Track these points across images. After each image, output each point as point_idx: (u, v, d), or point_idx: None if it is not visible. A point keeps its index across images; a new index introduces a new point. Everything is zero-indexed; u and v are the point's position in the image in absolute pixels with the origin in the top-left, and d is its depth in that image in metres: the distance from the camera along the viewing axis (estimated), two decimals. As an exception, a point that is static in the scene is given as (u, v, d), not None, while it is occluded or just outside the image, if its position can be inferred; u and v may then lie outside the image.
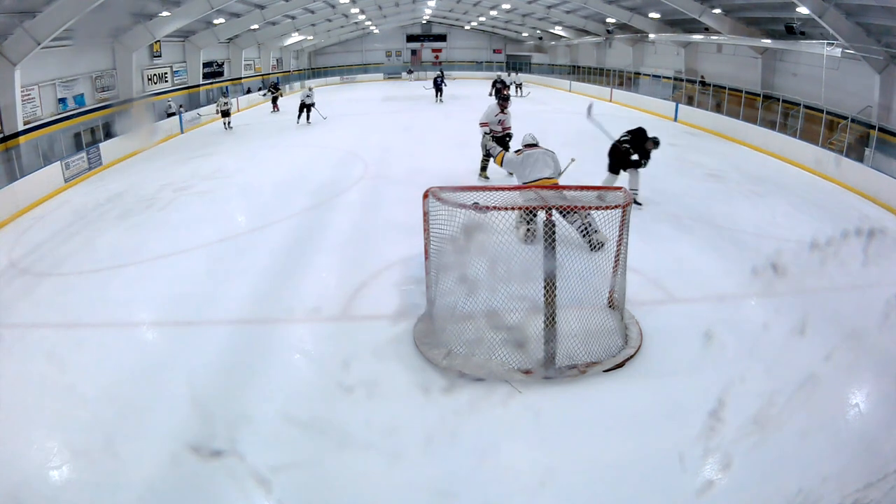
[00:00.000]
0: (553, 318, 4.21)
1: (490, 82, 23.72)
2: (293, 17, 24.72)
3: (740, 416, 3.70)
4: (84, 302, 5.84)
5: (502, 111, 9.64)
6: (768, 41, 14.88)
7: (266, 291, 5.88)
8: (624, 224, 4.54)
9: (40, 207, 9.81)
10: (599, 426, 3.79)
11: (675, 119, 16.87)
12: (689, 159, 11.66)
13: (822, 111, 11.44)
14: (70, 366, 4.65)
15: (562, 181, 6.50)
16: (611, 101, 21.74)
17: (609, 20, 21.64)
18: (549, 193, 4.75)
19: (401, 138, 14.31)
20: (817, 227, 7.04)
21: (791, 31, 13.20)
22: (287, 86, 29.05)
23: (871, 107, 11.50)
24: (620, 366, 4.35)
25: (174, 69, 19.22)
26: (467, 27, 36.39)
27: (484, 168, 9.85)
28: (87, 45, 14.06)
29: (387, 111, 20.32)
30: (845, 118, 10.99)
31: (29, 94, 12.22)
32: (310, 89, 17.97)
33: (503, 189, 4.65)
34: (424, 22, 36.51)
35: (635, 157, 7.68)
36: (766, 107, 13.75)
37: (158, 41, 17.18)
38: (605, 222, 4.59)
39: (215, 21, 19.44)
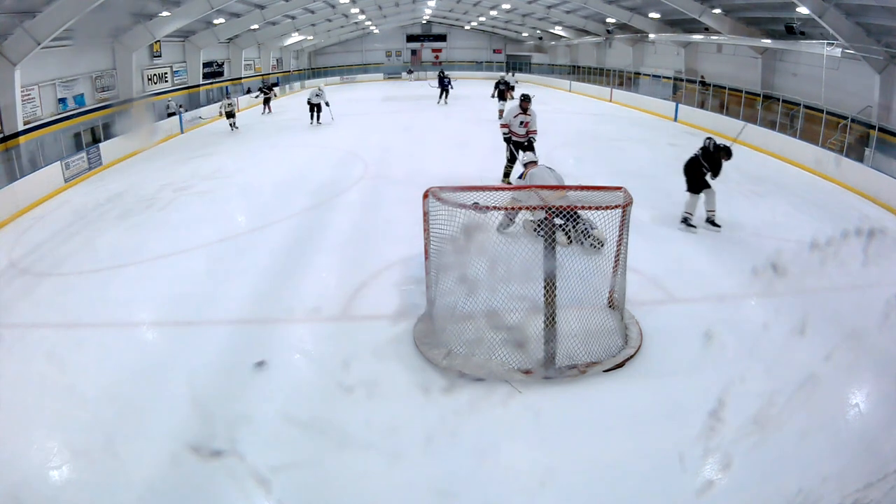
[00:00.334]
0: (553, 318, 4.21)
1: (493, 83, 23.31)
2: (293, 17, 24.72)
3: (740, 416, 3.70)
4: (84, 302, 5.84)
5: (524, 111, 8.84)
6: (768, 41, 14.88)
7: (266, 291, 5.88)
8: (624, 224, 4.54)
9: (40, 207, 9.81)
10: (599, 426, 3.79)
11: (675, 119, 16.87)
12: (689, 159, 11.66)
13: (822, 111, 11.44)
14: (70, 366, 4.65)
15: (567, 181, 6.54)
16: (611, 101, 21.74)
17: (609, 20, 21.63)
18: (549, 193, 4.75)
19: (401, 138, 14.31)
20: (817, 227, 7.04)
21: (791, 31, 13.20)
22: (287, 86, 29.03)
23: (871, 107, 11.50)
24: (620, 366, 4.35)
25: (174, 69, 19.21)
26: (467, 27, 36.40)
27: (507, 174, 9.16)
28: (87, 45, 14.05)
29: (387, 111, 20.32)
30: (845, 118, 10.99)
31: (29, 94, 12.21)
32: (319, 88, 17.52)
33: (503, 189, 4.65)
34: (424, 22, 36.51)
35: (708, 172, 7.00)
36: (766, 107, 13.75)
37: (158, 41, 17.18)
38: (606, 222, 4.59)
39: (215, 21, 19.44)
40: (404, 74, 35.09)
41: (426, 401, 4.06)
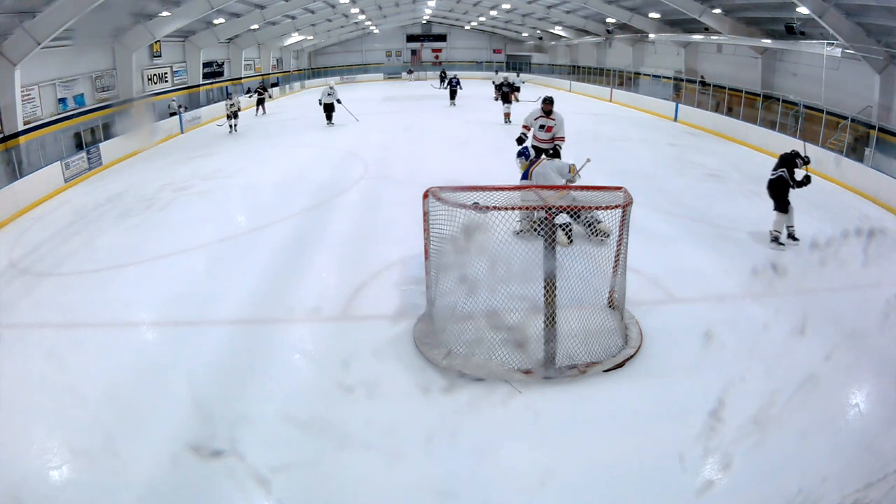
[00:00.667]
0: (553, 318, 4.21)
1: (491, 83, 22.40)
2: (293, 17, 24.72)
3: (740, 416, 3.70)
4: (84, 302, 5.84)
5: (545, 115, 8.06)
6: (768, 41, 14.88)
7: (266, 291, 5.88)
8: (624, 224, 4.54)
9: (40, 207, 9.81)
10: (599, 426, 3.79)
11: (675, 119, 16.88)
12: (689, 159, 11.68)
13: (822, 111, 11.44)
14: (70, 366, 4.65)
15: (577, 181, 6.55)
16: (611, 101, 21.75)
17: (609, 20, 21.63)
18: (549, 193, 4.76)
19: (401, 138, 14.32)
20: (817, 227, 7.03)
21: (791, 31, 13.19)
22: (287, 86, 29.03)
23: (871, 107, 11.50)
24: (620, 366, 4.35)
25: (174, 69, 19.20)
26: (467, 27, 36.40)
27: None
28: (87, 45, 14.04)
29: (387, 111, 20.31)
30: (845, 118, 10.99)
31: (29, 94, 12.20)
32: (330, 87, 16.91)
33: (503, 189, 4.65)
34: (424, 22, 36.52)
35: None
36: (766, 107, 13.75)
37: (158, 41, 17.16)
38: (606, 222, 4.60)
39: (215, 21, 19.43)
40: (404, 74, 35.10)
41: (426, 401, 4.06)
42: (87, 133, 13.80)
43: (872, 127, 10.33)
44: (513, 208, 4.37)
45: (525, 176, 6.65)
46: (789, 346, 4.60)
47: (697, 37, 17.79)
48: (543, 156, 7.53)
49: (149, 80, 17.59)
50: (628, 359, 4.41)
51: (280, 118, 19.48)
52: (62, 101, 13.57)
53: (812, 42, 12.59)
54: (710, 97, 16.40)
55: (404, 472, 3.42)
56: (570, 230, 6.06)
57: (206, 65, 20.99)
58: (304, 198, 9.07)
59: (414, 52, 38.00)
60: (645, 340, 4.65)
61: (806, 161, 6.52)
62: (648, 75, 21.14)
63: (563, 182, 6.53)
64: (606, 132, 15.00)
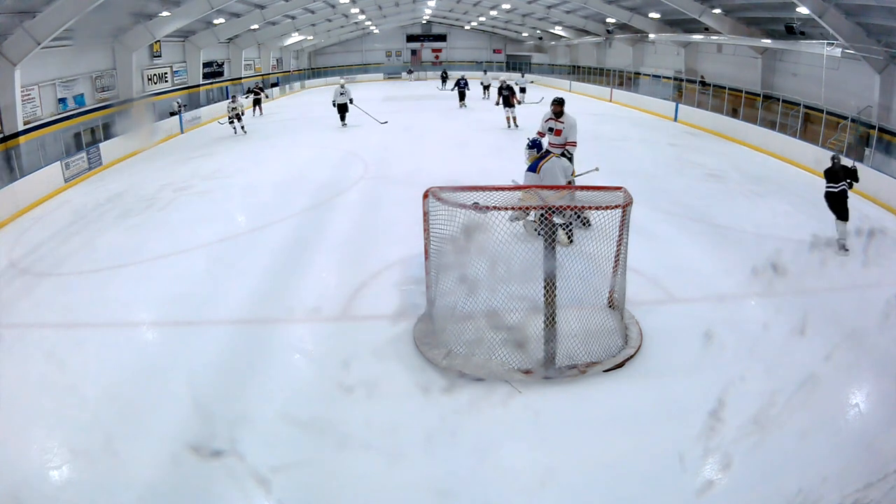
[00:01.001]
0: (553, 318, 4.21)
1: (488, 84, 21.87)
2: (293, 17, 24.72)
3: (740, 416, 3.70)
4: (84, 302, 5.84)
5: (555, 117, 7.45)
6: (768, 41, 14.88)
7: (266, 291, 5.88)
8: (624, 224, 4.54)
9: (40, 207, 9.81)
10: (599, 426, 3.79)
11: (675, 119, 16.88)
12: (689, 159, 11.68)
13: (822, 111, 11.44)
14: (70, 366, 4.65)
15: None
16: (611, 101, 21.75)
17: (609, 20, 21.63)
18: (549, 193, 4.76)
19: (401, 138, 14.31)
20: (817, 227, 7.04)
21: (791, 31, 13.20)
22: (287, 86, 29.02)
23: (871, 107, 11.50)
24: (620, 366, 4.35)
25: (174, 69, 19.21)
26: (467, 27, 36.40)
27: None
28: (87, 45, 14.05)
29: (387, 111, 20.29)
30: (845, 118, 10.99)
31: (29, 94, 12.21)
32: (342, 86, 16.30)
33: (503, 189, 4.65)
34: (424, 22, 36.52)
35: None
36: (765, 107, 13.76)
37: (158, 41, 17.17)
38: (606, 222, 4.57)
39: (215, 21, 19.44)
40: (404, 74, 35.09)
41: (426, 401, 4.05)
42: (87, 133, 13.82)
43: (872, 127, 10.34)
44: (513, 208, 4.37)
45: (532, 168, 6.53)
46: (789, 346, 4.59)
47: (697, 37, 17.80)
48: (555, 151, 7.22)
49: (149, 80, 17.60)
50: (628, 359, 4.41)
51: (280, 118, 19.48)
52: (62, 101, 13.57)
53: (812, 42, 12.59)
54: (709, 97, 16.40)
55: (404, 472, 3.42)
56: (572, 230, 6.06)
57: (206, 65, 21.00)
58: (304, 198, 9.06)
59: (414, 52, 38.00)
60: (645, 340, 4.65)
61: (854, 170, 6.84)
62: (648, 75, 21.15)
63: (565, 183, 6.52)
64: (606, 132, 15.00)
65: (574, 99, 22.75)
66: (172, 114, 17.22)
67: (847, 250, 6.56)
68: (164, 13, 15.38)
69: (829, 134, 11.14)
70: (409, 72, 35.12)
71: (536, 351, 4.27)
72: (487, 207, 4.25)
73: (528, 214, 5.59)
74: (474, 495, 3.26)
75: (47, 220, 8.94)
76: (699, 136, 14.63)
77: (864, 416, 3.90)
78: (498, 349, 4.33)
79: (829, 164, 6.93)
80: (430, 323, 4.80)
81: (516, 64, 34.47)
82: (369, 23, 32.20)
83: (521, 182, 6.55)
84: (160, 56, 18.15)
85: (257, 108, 20.32)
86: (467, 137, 13.86)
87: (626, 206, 4.43)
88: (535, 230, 4.39)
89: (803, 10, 11.40)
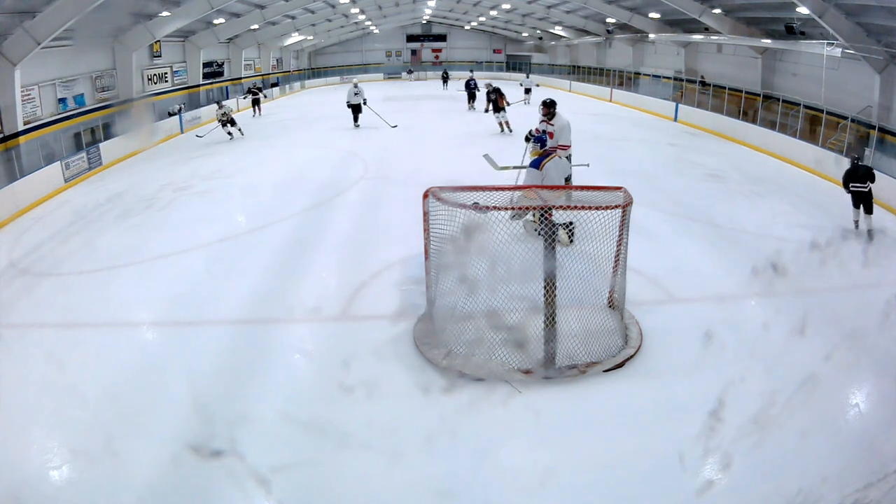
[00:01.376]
0: (553, 318, 4.22)
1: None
2: (293, 17, 24.71)
3: (740, 416, 3.70)
4: (84, 302, 5.84)
5: (546, 119, 7.17)
6: (768, 41, 14.88)
7: (266, 291, 5.88)
8: (624, 224, 4.54)
9: (40, 207, 9.81)
10: (599, 426, 3.79)
11: (675, 119, 16.87)
12: (689, 159, 11.68)
13: (822, 111, 11.43)
14: (70, 366, 4.65)
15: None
16: (611, 101, 21.74)
17: (609, 20, 21.62)
18: (549, 193, 4.76)
19: (401, 138, 14.30)
20: (817, 227, 7.04)
21: (791, 31, 13.20)
22: (287, 86, 29.00)
23: (871, 107, 11.50)
24: (620, 366, 4.35)
25: (174, 69, 19.20)
26: (467, 27, 36.37)
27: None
28: (87, 45, 14.04)
29: (387, 111, 20.28)
30: (845, 118, 10.99)
31: (29, 94, 12.20)
32: (356, 86, 15.78)
33: (503, 189, 4.65)
34: (424, 22, 36.49)
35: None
36: (766, 107, 13.75)
37: (158, 41, 17.16)
38: (606, 222, 4.57)
39: (215, 21, 19.43)
40: (404, 74, 35.06)
41: (426, 401, 4.06)
42: (87, 133, 13.81)
43: (872, 127, 10.33)
44: (513, 208, 4.38)
45: (536, 164, 6.53)
46: (789, 346, 4.59)
47: (697, 37, 17.79)
48: (559, 152, 7.03)
49: (149, 80, 17.59)
50: (628, 359, 4.41)
51: (280, 118, 19.47)
52: (62, 101, 13.57)
53: (812, 42, 12.59)
54: (709, 97, 16.40)
55: (404, 472, 3.42)
56: (573, 230, 6.05)
57: (206, 65, 20.99)
58: (304, 198, 9.06)
59: (414, 52, 37.98)
60: (645, 340, 4.65)
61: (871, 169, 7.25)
62: (648, 75, 21.14)
63: (564, 171, 6.52)
64: (606, 132, 15.00)
65: (574, 99, 22.90)
66: (171, 114, 17.20)
67: (873, 238, 6.85)
68: (164, 13, 15.37)
69: (830, 134, 11.14)
70: (409, 72, 35.10)
71: (536, 351, 4.27)
72: (487, 207, 4.26)
73: (527, 213, 5.61)
74: (474, 495, 3.26)
75: (47, 220, 8.94)
76: (699, 136, 14.63)
77: (864, 416, 3.90)
78: (498, 349, 4.33)
79: (848, 165, 7.25)
80: (430, 323, 4.80)
81: (516, 64, 34.43)
82: (369, 23, 32.18)
83: (493, 158, 6.57)
84: (160, 56, 18.14)
85: (256, 108, 20.26)
86: (468, 137, 13.85)
87: (626, 206, 4.43)
88: (536, 230, 4.39)
89: (803, 10, 11.40)
